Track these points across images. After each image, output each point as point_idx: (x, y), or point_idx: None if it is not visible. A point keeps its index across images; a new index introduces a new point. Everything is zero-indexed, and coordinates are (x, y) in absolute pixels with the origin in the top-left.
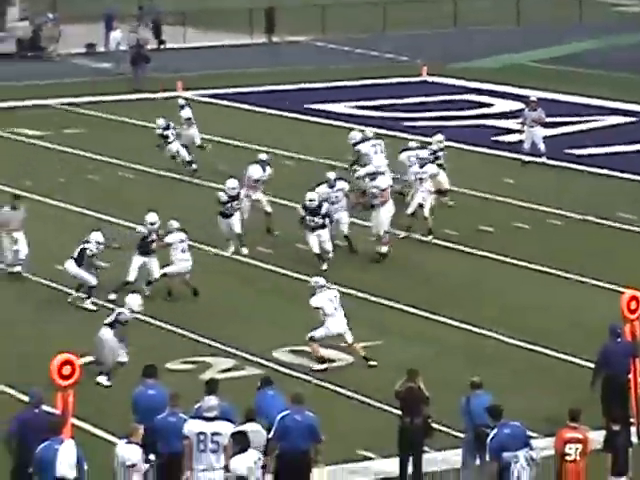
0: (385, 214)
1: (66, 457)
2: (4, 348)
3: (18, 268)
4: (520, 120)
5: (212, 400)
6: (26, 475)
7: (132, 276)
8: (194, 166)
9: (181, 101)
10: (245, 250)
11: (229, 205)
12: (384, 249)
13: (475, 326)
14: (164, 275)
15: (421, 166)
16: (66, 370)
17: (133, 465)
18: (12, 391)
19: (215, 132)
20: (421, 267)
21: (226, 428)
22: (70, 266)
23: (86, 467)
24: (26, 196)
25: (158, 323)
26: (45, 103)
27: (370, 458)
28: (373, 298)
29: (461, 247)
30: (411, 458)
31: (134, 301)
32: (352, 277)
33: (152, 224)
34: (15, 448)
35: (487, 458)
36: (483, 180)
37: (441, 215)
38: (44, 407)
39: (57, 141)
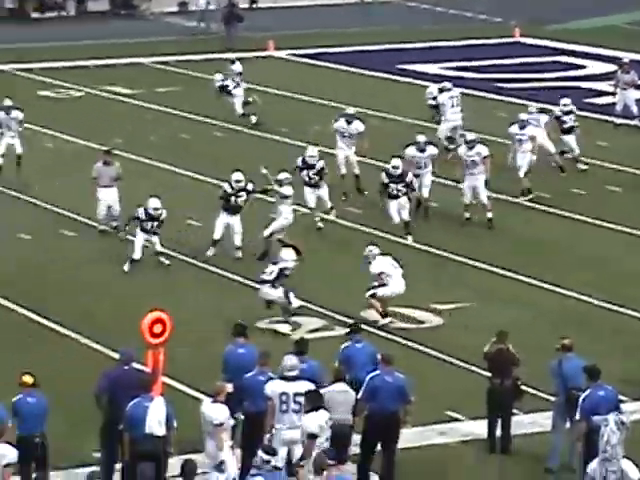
0: (482, 181)
1: (156, 414)
2: (96, 306)
3: (114, 224)
4: (613, 82)
5: (292, 360)
6: (116, 432)
7: (218, 234)
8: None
9: (231, 55)
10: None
11: (233, 199)
12: (490, 214)
13: (568, 289)
14: (270, 235)
15: (521, 127)
16: (157, 328)
17: (220, 424)
18: (104, 349)
19: (306, 91)
20: (514, 230)
21: (309, 388)
22: None
23: (175, 424)
24: (117, 154)
25: (249, 282)
26: (138, 61)
27: (459, 419)
28: (466, 260)
29: (554, 210)
30: (500, 420)
31: (288, 255)
32: (445, 240)
33: (237, 182)
34: (105, 405)
35: (577, 417)
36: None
37: (534, 178)
38: (134, 365)
39: (149, 99)
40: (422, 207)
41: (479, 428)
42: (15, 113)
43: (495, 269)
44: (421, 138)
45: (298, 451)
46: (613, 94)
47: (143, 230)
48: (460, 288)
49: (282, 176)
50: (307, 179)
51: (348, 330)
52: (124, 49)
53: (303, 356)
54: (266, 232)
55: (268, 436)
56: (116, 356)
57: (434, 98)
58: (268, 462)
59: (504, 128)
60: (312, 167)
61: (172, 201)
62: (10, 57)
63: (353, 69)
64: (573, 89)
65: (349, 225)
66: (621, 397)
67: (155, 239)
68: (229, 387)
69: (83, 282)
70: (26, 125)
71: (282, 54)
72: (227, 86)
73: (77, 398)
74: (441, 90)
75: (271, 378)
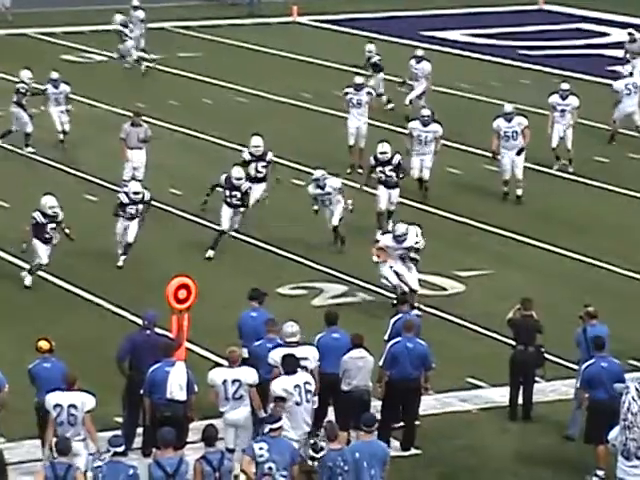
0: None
1: (177, 379)
2: (119, 272)
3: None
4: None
5: (294, 326)
6: (138, 395)
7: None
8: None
9: (135, 2)
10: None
11: (254, 165)
12: (520, 192)
13: (591, 257)
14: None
15: (563, 97)
16: (182, 294)
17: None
18: (127, 314)
19: (331, 58)
20: (537, 198)
21: (312, 353)
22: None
23: (196, 389)
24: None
25: (270, 247)
26: (160, 26)
27: (480, 386)
28: (489, 227)
29: (578, 178)
30: (522, 387)
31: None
32: (468, 208)
33: (256, 147)
34: (127, 370)
35: (577, 385)
36: (597, 110)
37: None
38: (157, 330)
39: (172, 64)
40: (423, 188)
41: (500, 395)
42: (63, 87)
43: (517, 236)
44: (426, 112)
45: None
46: (627, 61)
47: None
48: (482, 255)
49: (318, 174)
50: (383, 177)
51: (395, 302)
52: (148, 14)
53: (334, 326)
54: (335, 221)
55: (272, 405)
56: (139, 321)
57: (369, 59)
58: (272, 430)
59: (527, 96)
60: (388, 163)
61: (195, 165)
62: (34, 21)
63: (375, 35)
64: (596, 57)
65: (371, 191)
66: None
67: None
68: (244, 353)
69: (107, 247)
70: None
71: (305, 19)
72: (123, 32)
73: (99, 363)
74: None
75: (279, 345)
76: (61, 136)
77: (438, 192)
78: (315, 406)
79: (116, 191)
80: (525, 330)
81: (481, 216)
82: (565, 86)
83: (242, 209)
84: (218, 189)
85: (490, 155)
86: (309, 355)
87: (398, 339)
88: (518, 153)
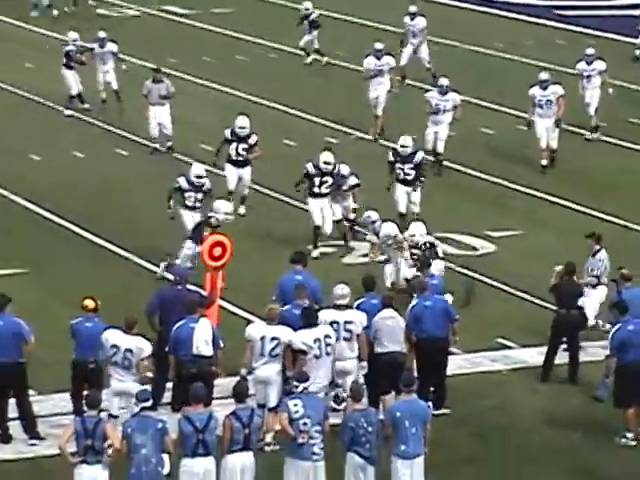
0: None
1: (202, 335)
2: (150, 226)
3: (168, 143)
4: None
5: (344, 289)
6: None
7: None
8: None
9: None
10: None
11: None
12: (545, 162)
13: (624, 219)
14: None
15: (588, 63)
16: (217, 251)
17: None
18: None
19: (365, 16)
20: (571, 159)
21: (359, 317)
22: None
23: (222, 345)
24: (171, 73)
25: (302, 206)
26: None
27: (509, 347)
28: (521, 188)
29: (612, 140)
30: (568, 349)
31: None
32: (501, 169)
33: (241, 128)
34: (157, 324)
35: (607, 352)
36: (630, 72)
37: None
38: (187, 285)
39: (205, 20)
40: (437, 162)
41: (529, 356)
42: (110, 45)
43: (550, 197)
44: (444, 81)
45: (348, 381)
46: None
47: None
48: (514, 216)
49: (375, 216)
50: (401, 174)
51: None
52: None
53: (372, 292)
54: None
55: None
56: (170, 276)
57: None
58: (304, 389)
59: (562, 57)
60: (408, 159)
61: (227, 122)
62: None
63: None
64: (629, 18)
65: None
66: None
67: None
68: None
69: (138, 201)
70: (83, 43)
71: None
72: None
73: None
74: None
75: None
76: (104, 95)
77: (471, 152)
78: (364, 372)
79: (147, 146)
80: (568, 294)
81: (514, 177)
82: (590, 51)
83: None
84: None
85: (526, 120)
86: (355, 319)
87: (415, 301)
88: (557, 125)
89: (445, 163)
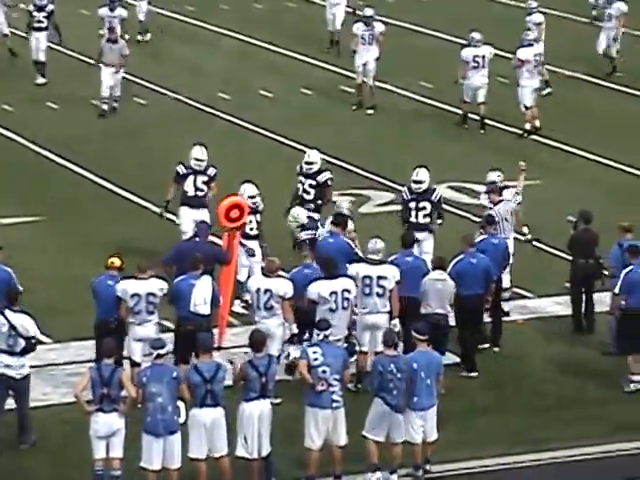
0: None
1: (201, 292)
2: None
3: (114, 104)
4: None
5: (378, 243)
6: None
7: None
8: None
9: None
10: None
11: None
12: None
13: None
14: None
15: (609, 2)
16: (234, 213)
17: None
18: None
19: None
20: (588, 108)
21: (392, 272)
22: None
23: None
24: (188, 22)
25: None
26: None
27: (525, 296)
28: (537, 138)
29: (630, 90)
30: (584, 299)
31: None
32: (516, 118)
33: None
34: (173, 274)
35: (616, 290)
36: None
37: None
38: (209, 238)
39: None
40: (480, 118)
41: (545, 305)
42: (119, 11)
43: (565, 147)
44: (476, 35)
45: (379, 337)
46: None
47: None
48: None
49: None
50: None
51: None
52: None
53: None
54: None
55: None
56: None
57: None
58: (326, 336)
59: None
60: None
61: (241, 70)
62: None
63: None
64: None
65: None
66: None
67: None
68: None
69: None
70: None
71: None
72: None
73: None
74: None
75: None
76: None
77: (488, 102)
78: (397, 329)
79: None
80: (585, 244)
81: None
82: (533, 3)
83: None
84: None
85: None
86: (388, 274)
87: (461, 256)
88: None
89: (454, 110)
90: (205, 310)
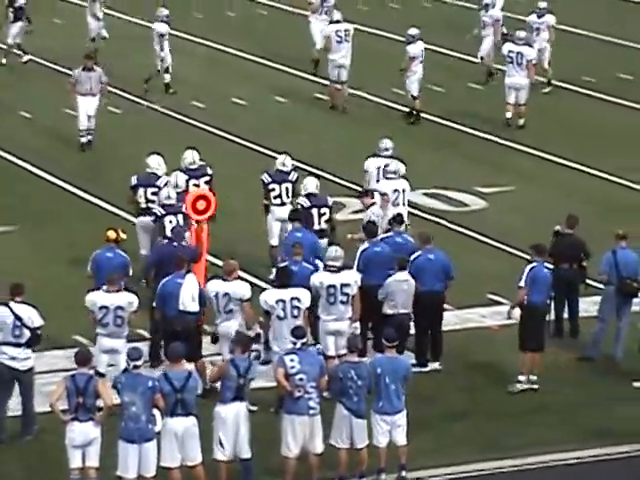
0: None
1: (189, 291)
2: None
3: (89, 138)
4: None
5: (337, 251)
6: None
7: None
8: None
9: None
10: None
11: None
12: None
13: (615, 176)
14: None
15: (539, 16)
16: (200, 205)
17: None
18: None
19: None
20: (562, 115)
21: (354, 277)
22: None
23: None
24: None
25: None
26: None
27: (500, 303)
28: (511, 144)
29: (602, 95)
30: (567, 304)
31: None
32: (495, 124)
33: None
34: (153, 279)
35: (521, 284)
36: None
37: (579, 62)
38: (185, 242)
39: None
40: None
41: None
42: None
43: (540, 153)
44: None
45: (342, 342)
46: None
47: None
48: (505, 172)
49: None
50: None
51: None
52: None
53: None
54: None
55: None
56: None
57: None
58: (303, 344)
59: None
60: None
61: (216, 78)
62: None
63: None
64: None
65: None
66: None
67: None
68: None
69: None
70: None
71: None
72: None
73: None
74: None
75: (312, 271)
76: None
77: (464, 108)
78: (357, 331)
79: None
80: (569, 248)
81: (504, 133)
82: (542, 4)
83: None
84: None
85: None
86: (350, 281)
87: (419, 252)
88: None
89: (431, 118)
90: (194, 307)
